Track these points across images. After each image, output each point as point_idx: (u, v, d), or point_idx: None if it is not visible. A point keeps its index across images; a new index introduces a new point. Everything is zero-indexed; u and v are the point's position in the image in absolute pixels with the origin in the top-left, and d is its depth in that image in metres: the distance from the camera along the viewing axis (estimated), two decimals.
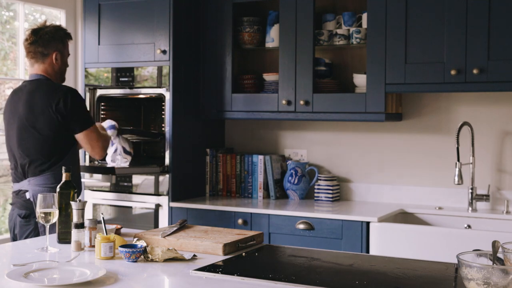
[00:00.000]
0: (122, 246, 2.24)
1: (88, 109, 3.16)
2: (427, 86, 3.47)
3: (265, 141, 4.28)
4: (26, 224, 3.12)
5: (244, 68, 4.22)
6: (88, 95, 4.20)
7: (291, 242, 3.44)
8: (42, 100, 3.11)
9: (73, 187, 2.57)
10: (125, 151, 3.82)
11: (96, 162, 4.09)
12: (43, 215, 2.41)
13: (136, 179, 4.04)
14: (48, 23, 3.28)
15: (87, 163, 4.15)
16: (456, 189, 3.70)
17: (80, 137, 3.18)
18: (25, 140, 3.14)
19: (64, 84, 3.30)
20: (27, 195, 3.11)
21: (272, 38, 3.98)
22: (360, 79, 3.75)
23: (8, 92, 4.06)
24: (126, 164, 3.85)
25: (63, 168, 2.58)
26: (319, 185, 3.94)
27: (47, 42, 3.19)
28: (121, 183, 4.07)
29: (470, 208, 3.57)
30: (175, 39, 3.90)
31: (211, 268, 2.08)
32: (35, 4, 4.07)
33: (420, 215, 3.65)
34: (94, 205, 4.15)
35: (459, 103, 3.76)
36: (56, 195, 2.49)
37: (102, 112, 4.23)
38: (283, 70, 3.82)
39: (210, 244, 2.34)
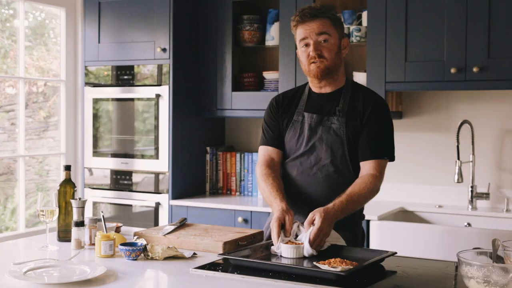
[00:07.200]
0: (122, 244, 2.24)
1: None
2: (427, 84, 3.47)
3: None
4: None
5: (244, 66, 4.22)
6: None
7: None
8: None
9: (73, 185, 2.57)
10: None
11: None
12: (43, 213, 2.41)
13: (136, 177, 4.03)
14: None
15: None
16: (456, 187, 3.70)
17: None
18: None
19: None
20: None
21: (272, 36, 3.97)
22: (360, 77, 3.75)
23: (8, 90, 4.06)
24: None
25: (63, 166, 2.58)
26: None
27: None
28: (121, 181, 4.07)
29: (470, 206, 3.57)
30: (175, 37, 3.90)
31: (211, 266, 2.08)
32: (35, 2, 4.07)
33: (420, 213, 3.65)
34: (94, 203, 4.15)
35: (459, 101, 3.75)
36: (56, 193, 2.49)
37: None
38: (283, 68, 3.82)
39: (210, 242, 2.34)
